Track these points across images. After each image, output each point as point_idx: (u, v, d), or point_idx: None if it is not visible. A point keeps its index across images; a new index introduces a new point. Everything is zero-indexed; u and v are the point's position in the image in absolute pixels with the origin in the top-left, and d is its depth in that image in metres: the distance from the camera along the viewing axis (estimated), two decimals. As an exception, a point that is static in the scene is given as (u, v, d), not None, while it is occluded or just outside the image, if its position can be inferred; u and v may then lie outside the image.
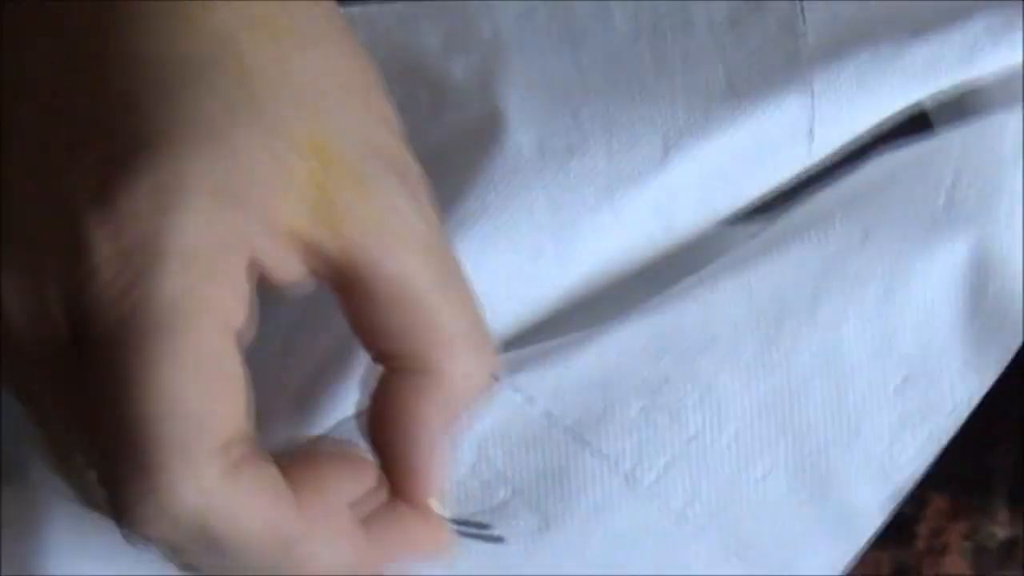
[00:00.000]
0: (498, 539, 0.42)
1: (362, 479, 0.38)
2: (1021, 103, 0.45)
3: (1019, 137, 0.45)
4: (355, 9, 0.46)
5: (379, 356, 0.38)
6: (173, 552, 0.35)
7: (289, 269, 0.36)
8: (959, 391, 0.44)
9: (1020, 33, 0.45)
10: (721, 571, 0.43)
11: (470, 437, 0.42)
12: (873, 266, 0.44)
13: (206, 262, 0.34)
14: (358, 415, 0.39)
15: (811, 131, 0.45)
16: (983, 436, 0.46)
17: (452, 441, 0.39)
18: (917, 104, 0.46)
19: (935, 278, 0.44)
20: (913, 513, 0.50)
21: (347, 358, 0.42)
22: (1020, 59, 0.45)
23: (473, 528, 0.42)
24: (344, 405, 0.43)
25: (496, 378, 0.40)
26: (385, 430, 0.38)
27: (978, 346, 0.44)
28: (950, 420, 0.44)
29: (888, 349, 0.44)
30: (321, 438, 0.40)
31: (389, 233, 0.36)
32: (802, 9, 0.46)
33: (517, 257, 0.43)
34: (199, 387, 0.33)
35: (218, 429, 0.34)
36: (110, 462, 0.34)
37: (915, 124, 0.47)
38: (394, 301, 0.36)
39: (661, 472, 0.42)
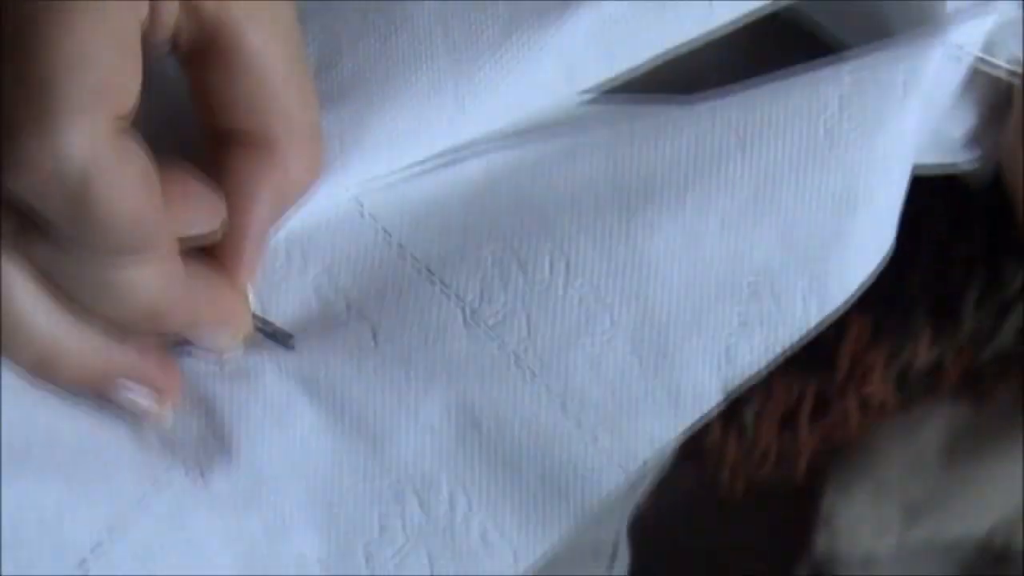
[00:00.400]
0: (290, 346, 0.43)
1: (208, 221, 0.40)
2: (921, 36, 0.45)
3: (913, 75, 0.44)
4: None
5: (221, 133, 0.40)
6: (40, 211, 0.36)
7: (170, 15, 0.38)
8: (799, 311, 0.44)
9: None
10: (546, 415, 0.43)
11: (317, 256, 0.44)
12: (745, 175, 0.44)
13: None
14: None
15: None
16: (902, 255, 0.46)
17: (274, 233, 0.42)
18: None
19: (802, 203, 0.44)
20: (833, 337, 0.49)
21: None
22: None
23: (271, 328, 0.43)
24: None
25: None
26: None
27: (826, 274, 0.44)
28: (786, 335, 0.44)
29: (744, 253, 0.44)
30: (185, 164, 0.41)
31: (260, 9, 0.39)
32: None
33: (416, 96, 0.44)
34: (111, 52, 0.36)
35: (120, 96, 0.36)
36: (11, 109, 0.35)
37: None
38: (250, 74, 0.39)
39: (503, 313, 0.43)
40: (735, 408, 0.63)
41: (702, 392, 0.45)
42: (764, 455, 0.65)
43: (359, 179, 0.44)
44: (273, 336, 0.43)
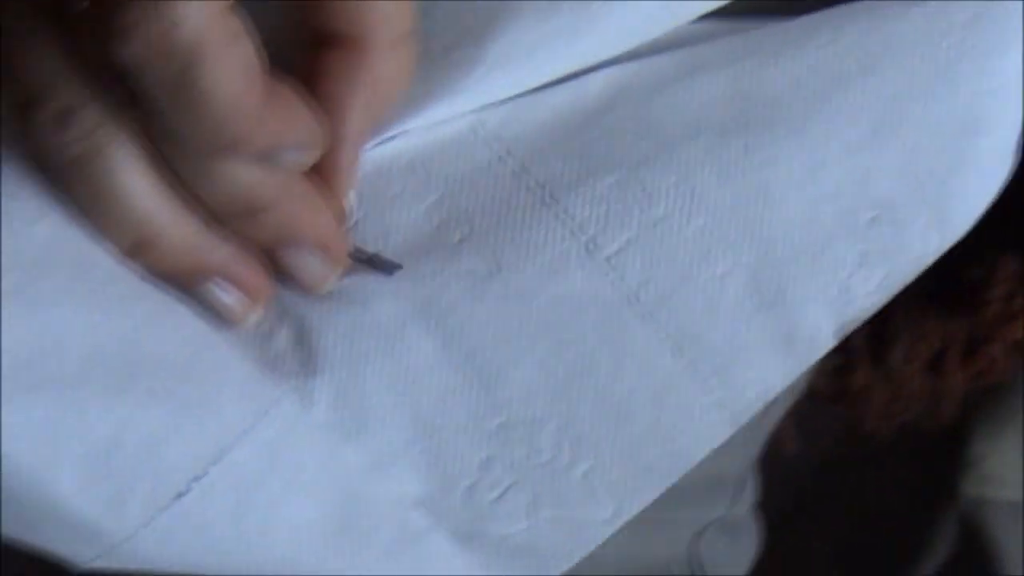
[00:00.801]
0: (392, 273, 0.42)
1: (306, 136, 0.39)
2: None
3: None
4: None
5: (314, 35, 0.39)
6: (144, 83, 0.35)
7: None
8: (919, 244, 0.43)
9: None
10: (659, 360, 0.43)
11: (436, 178, 0.43)
12: (870, 98, 0.42)
13: None
14: None
15: None
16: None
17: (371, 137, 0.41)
18: None
19: (925, 130, 0.43)
20: (982, 278, 0.48)
21: None
22: None
23: (365, 255, 0.42)
24: None
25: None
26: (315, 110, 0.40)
27: (948, 204, 0.43)
28: (906, 270, 0.43)
29: (865, 184, 0.43)
30: (284, 74, 0.40)
31: None
32: None
33: (535, 14, 0.43)
34: None
35: None
36: None
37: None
38: None
39: (622, 246, 0.42)
40: (883, 350, 0.62)
41: (817, 335, 0.43)
42: (911, 398, 0.64)
43: (476, 98, 0.43)
44: (371, 263, 0.42)
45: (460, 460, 0.43)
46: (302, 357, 0.42)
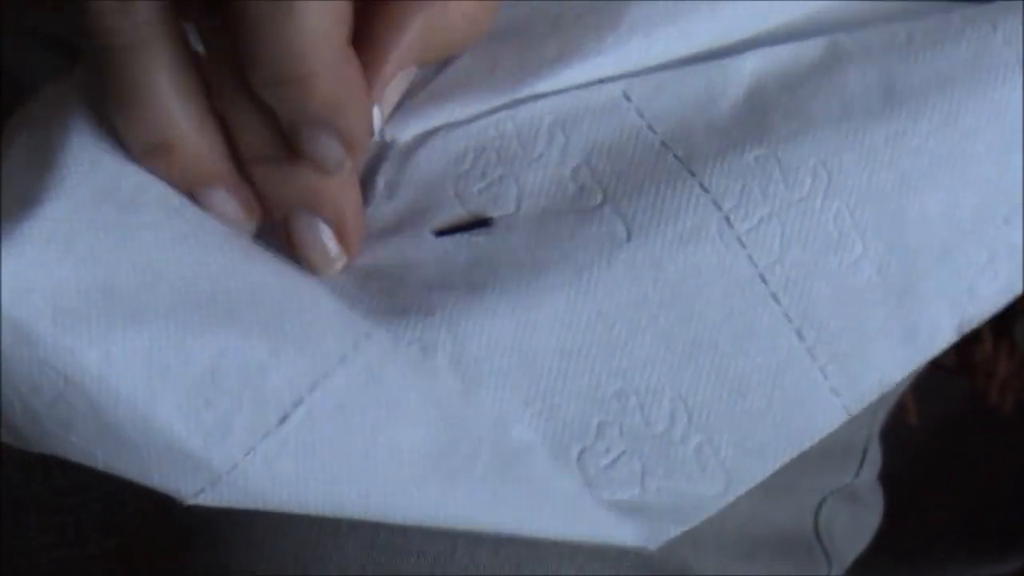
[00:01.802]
0: (489, 218, 0.42)
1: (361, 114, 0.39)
2: None
3: None
4: None
5: None
6: None
7: None
8: None
9: None
10: (781, 341, 0.43)
11: (579, 142, 0.43)
12: (1019, 96, 0.42)
13: None
14: None
15: None
16: None
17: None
18: None
19: None
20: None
21: None
22: None
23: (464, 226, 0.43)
24: None
25: None
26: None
27: None
28: None
29: (1003, 183, 0.42)
30: None
31: None
32: None
33: None
34: None
35: None
36: None
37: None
38: None
39: (757, 223, 0.42)
40: (1007, 322, 0.62)
41: (938, 330, 0.43)
42: (1036, 371, 0.64)
43: (613, 62, 0.43)
44: (468, 226, 0.43)
45: (575, 424, 0.43)
46: (427, 304, 0.42)
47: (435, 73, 0.44)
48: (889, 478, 0.60)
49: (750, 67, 0.44)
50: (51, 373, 0.38)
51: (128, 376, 0.38)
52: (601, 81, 0.43)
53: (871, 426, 0.57)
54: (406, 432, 0.42)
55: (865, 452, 0.57)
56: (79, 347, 0.38)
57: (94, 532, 0.52)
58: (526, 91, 0.43)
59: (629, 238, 0.42)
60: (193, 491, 0.40)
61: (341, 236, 0.41)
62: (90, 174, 0.39)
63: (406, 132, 0.44)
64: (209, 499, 0.40)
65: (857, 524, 0.58)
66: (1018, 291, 0.43)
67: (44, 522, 0.52)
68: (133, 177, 0.40)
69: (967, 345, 0.64)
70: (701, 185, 0.42)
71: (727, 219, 0.42)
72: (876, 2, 0.46)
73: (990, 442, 0.76)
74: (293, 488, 0.41)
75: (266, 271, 0.41)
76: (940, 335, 0.43)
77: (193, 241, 0.40)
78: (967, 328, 0.43)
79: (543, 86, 0.43)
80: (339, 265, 0.42)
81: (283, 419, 0.40)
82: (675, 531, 0.44)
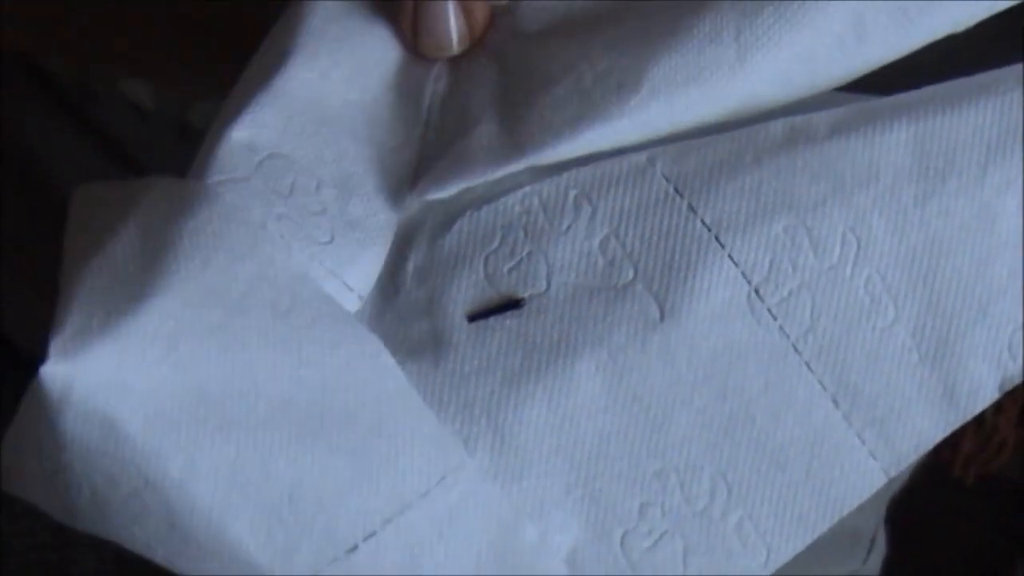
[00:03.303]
0: (520, 300, 0.42)
1: None
2: None
3: None
4: None
5: None
6: None
7: None
8: None
9: None
10: (818, 410, 0.43)
11: (606, 212, 0.43)
12: None
13: None
14: None
15: None
16: None
17: None
18: None
19: None
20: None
21: None
22: None
23: (494, 306, 0.43)
24: None
25: None
26: None
27: None
28: None
29: None
30: None
31: None
32: None
33: (695, 41, 0.43)
34: None
35: None
36: None
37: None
38: None
39: (787, 295, 0.42)
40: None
41: (979, 388, 0.43)
42: (1000, 447, 0.64)
43: (634, 126, 0.43)
44: (499, 309, 0.43)
45: (617, 507, 0.43)
46: (462, 398, 0.42)
47: (460, 137, 0.44)
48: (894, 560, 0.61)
49: (779, 130, 0.43)
50: (133, 472, 0.38)
51: (208, 486, 0.38)
52: (623, 152, 0.43)
53: (879, 512, 0.58)
54: (468, 569, 0.42)
55: (873, 540, 0.58)
56: (165, 452, 0.38)
57: (78, 540, 0.53)
58: (549, 154, 0.43)
59: (662, 318, 0.42)
60: None
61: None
62: (201, 274, 0.38)
63: (433, 193, 0.43)
64: None
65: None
66: None
67: (28, 528, 0.54)
68: (244, 278, 0.39)
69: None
70: (731, 258, 0.42)
71: (757, 292, 0.42)
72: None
73: (952, 512, 0.77)
74: None
75: (370, 388, 0.41)
76: (982, 393, 0.43)
77: (296, 350, 0.40)
78: (1010, 385, 0.43)
79: (566, 149, 0.43)
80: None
81: (352, 549, 0.40)
82: None
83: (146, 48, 0.56)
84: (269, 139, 0.41)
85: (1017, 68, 0.44)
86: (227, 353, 0.38)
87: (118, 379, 0.37)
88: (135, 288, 0.38)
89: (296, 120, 0.41)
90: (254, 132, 0.41)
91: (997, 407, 0.63)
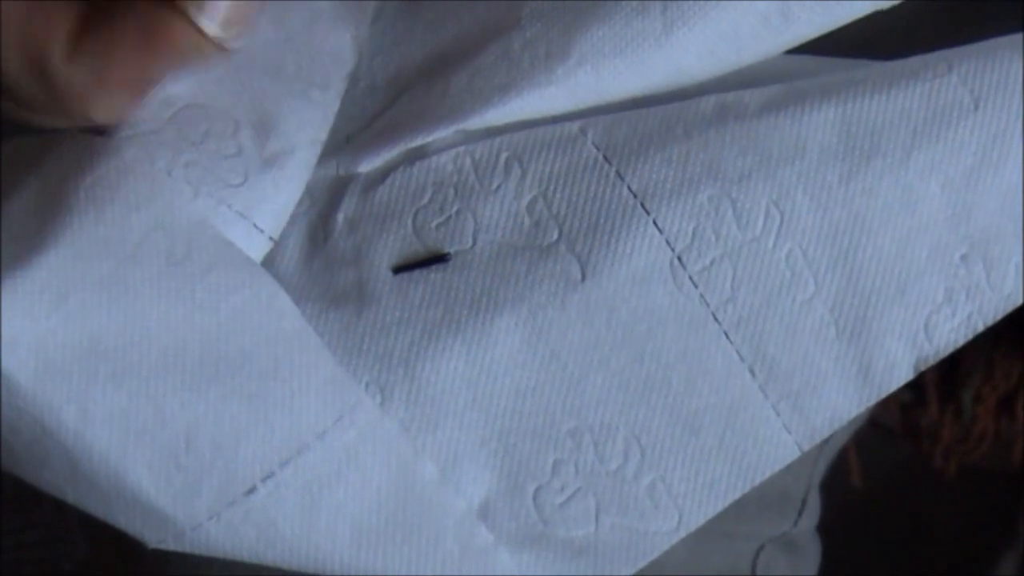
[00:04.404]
0: (447, 254, 0.43)
1: None
2: None
3: None
4: None
5: None
6: None
7: None
8: (1009, 285, 0.43)
9: None
10: (735, 379, 0.43)
11: (535, 175, 0.44)
12: (974, 135, 0.43)
13: None
14: None
15: None
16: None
17: None
18: None
19: None
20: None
21: None
22: None
23: (421, 262, 0.43)
24: None
25: None
26: None
27: None
28: (991, 311, 0.43)
29: (960, 220, 0.43)
30: None
31: None
32: None
33: (622, 14, 0.44)
34: None
35: None
36: None
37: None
38: None
39: (709, 264, 0.43)
40: (954, 389, 0.63)
41: (894, 367, 0.44)
42: (980, 438, 0.64)
43: (563, 93, 0.44)
44: (425, 263, 0.43)
45: (531, 462, 0.44)
46: (385, 348, 0.43)
47: (389, 105, 0.45)
48: (829, 534, 0.61)
49: (711, 105, 0.44)
50: (29, 420, 0.39)
51: (103, 433, 0.39)
52: (557, 120, 0.44)
53: (811, 476, 0.58)
54: (371, 512, 0.43)
55: (804, 502, 0.58)
56: (57, 402, 0.39)
57: (70, 535, 0.53)
58: (477, 120, 0.44)
59: (583, 279, 0.43)
60: (157, 540, 0.41)
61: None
62: (95, 227, 0.39)
63: (365, 164, 0.44)
64: (171, 547, 0.42)
65: (794, 573, 0.59)
66: (979, 328, 0.44)
67: (19, 524, 0.54)
68: (139, 228, 0.40)
69: (913, 409, 0.64)
70: (655, 224, 0.43)
71: (680, 259, 0.43)
72: (828, 59, 0.46)
73: (932, 504, 0.77)
74: (252, 550, 0.42)
75: (263, 332, 0.41)
76: (896, 372, 0.44)
77: (190, 297, 0.40)
78: (925, 365, 0.44)
79: (494, 115, 0.44)
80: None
81: (250, 491, 0.41)
82: (625, 571, 0.45)
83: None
84: (184, 91, 0.42)
85: (948, 52, 0.44)
86: (118, 303, 0.39)
87: (8, 334, 0.38)
88: (24, 244, 0.39)
89: (215, 69, 0.42)
90: (169, 85, 0.41)
91: (976, 397, 0.63)
